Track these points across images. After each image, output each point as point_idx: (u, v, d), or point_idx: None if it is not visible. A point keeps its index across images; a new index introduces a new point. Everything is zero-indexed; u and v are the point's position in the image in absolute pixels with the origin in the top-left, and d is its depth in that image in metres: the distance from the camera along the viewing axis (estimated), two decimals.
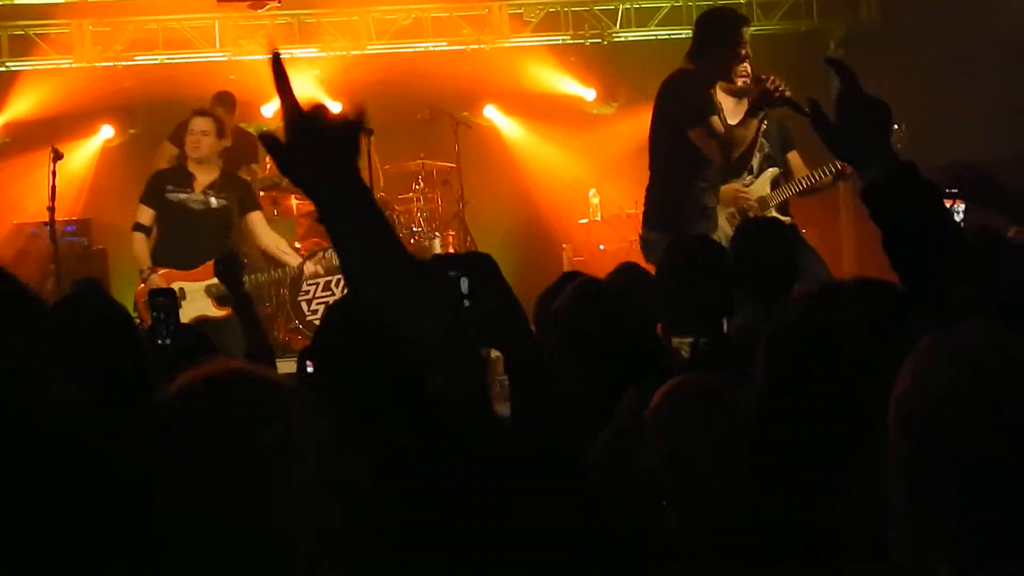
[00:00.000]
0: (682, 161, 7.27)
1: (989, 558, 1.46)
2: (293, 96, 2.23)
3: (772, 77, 6.85)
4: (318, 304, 10.25)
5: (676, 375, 2.90)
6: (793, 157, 7.68)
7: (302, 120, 2.21)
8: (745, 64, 7.25)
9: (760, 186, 7.56)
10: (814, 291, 2.31)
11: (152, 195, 8.90)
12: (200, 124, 9.01)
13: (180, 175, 9.02)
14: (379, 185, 10.66)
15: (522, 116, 13.51)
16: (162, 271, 8.61)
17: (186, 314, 7.84)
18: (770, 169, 7.57)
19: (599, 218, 12.21)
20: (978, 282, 2.49)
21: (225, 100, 11.19)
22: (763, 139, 7.42)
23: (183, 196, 8.79)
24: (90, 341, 3.32)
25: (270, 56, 2.27)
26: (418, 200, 11.26)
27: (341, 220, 2.20)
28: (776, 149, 7.63)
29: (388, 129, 9.85)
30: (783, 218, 7.42)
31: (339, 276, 10.18)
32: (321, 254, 9.45)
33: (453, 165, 11.34)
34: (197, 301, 8.58)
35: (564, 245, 12.10)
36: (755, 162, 7.55)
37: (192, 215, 8.77)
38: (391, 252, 2.19)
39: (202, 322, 8.24)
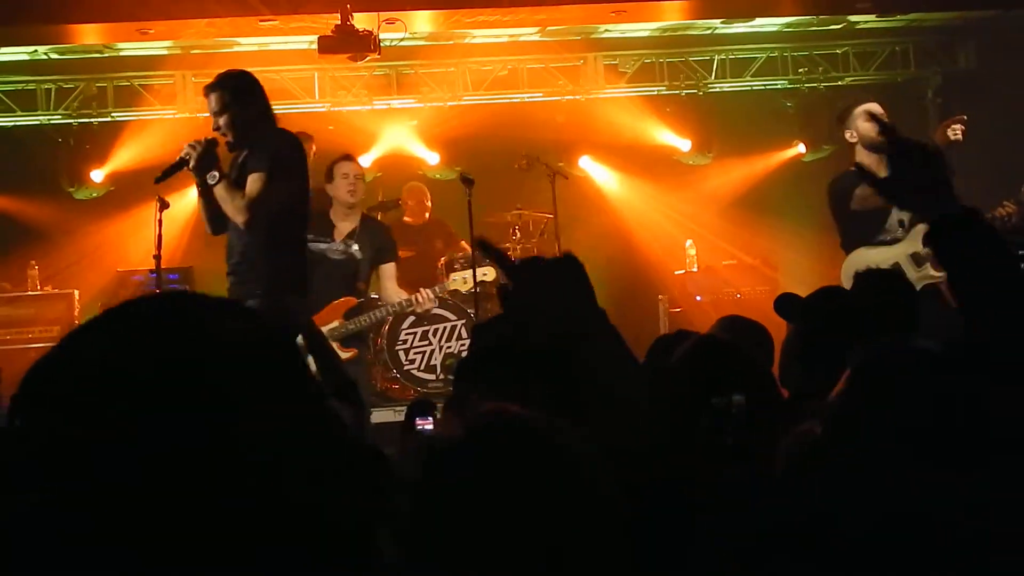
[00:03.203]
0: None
1: None
2: (507, 258, 2.38)
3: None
4: (415, 354, 10.30)
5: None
6: None
7: (518, 269, 2.35)
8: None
9: (911, 243, 7.56)
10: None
11: None
12: (353, 168, 9.31)
13: (321, 224, 9.15)
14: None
15: (617, 166, 13.52)
16: None
17: None
18: (920, 224, 7.56)
19: (695, 269, 12.16)
20: None
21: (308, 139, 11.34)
22: None
23: (323, 246, 9.00)
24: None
25: (479, 243, 2.46)
26: (515, 250, 11.27)
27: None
28: None
29: (485, 179, 9.90)
30: (938, 275, 7.41)
31: (437, 327, 10.27)
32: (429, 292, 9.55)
33: (550, 215, 11.37)
34: None
35: (660, 296, 12.07)
36: (905, 217, 7.57)
37: (328, 263, 8.96)
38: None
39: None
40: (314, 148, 11.25)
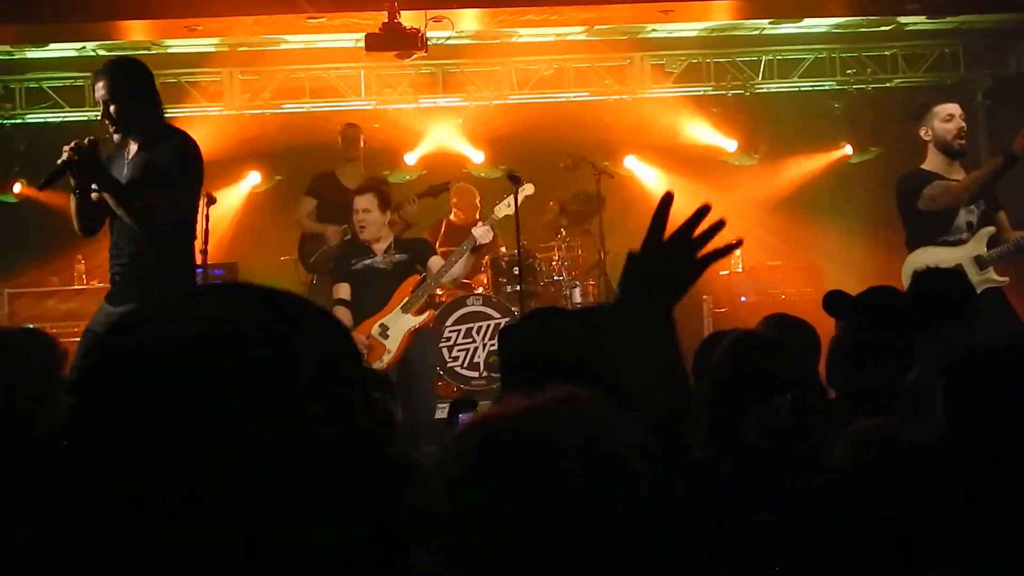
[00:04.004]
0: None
1: None
2: (663, 226, 2.37)
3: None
4: (459, 351, 10.30)
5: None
6: (1002, 217, 7.71)
7: (657, 248, 2.34)
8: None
9: (976, 245, 7.52)
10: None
11: (342, 272, 9.23)
12: (361, 203, 9.18)
13: (360, 249, 9.25)
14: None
15: (663, 166, 13.47)
16: (361, 327, 8.97)
17: (399, 333, 9.01)
18: (985, 228, 7.54)
19: (740, 270, 12.11)
20: None
21: (350, 133, 11.31)
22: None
23: (368, 261, 9.05)
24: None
25: (665, 195, 2.39)
26: (559, 249, 11.26)
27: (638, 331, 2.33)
28: (990, 207, 7.63)
29: (530, 178, 9.90)
30: (1000, 279, 7.40)
31: (480, 324, 10.28)
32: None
33: (595, 214, 11.33)
34: (401, 322, 9.03)
35: (705, 296, 12.01)
36: (973, 219, 7.55)
37: (379, 272, 9.06)
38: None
39: (416, 334, 9.07)
40: (363, 138, 11.29)
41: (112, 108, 6.47)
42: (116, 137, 6.55)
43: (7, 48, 12.16)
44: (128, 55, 6.87)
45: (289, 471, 1.23)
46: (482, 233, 9.32)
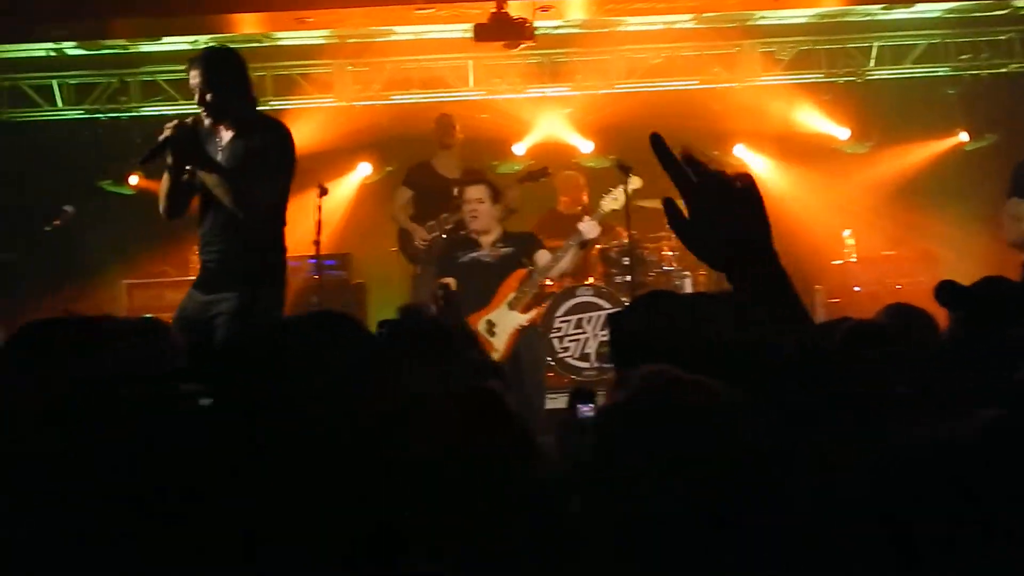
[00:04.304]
0: None
1: None
2: (681, 168, 2.16)
3: None
4: (569, 341, 10.30)
5: None
6: None
7: (699, 188, 2.15)
8: None
9: None
10: None
11: (447, 266, 9.15)
12: (473, 192, 9.16)
13: (466, 242, 9.25)
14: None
15: (773, 155, 13.34)
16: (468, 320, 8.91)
17: (506, 330, 8.90)
18: None
19: (854, 259, 11.97)
20: None
21: (445, 122, 11.31)
22: None
23: (473, 254, 9.02)
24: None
25: (651, 138, 2.19)
26: (669, 239, 11.21)
27: (748, 282, 2.18)
28: None
29: (638, 168, 9.84)
30: None
31: (591, 315, 10.27)
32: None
33: None
34: (508, 319, 8.94)
35: (817, 287, 11.89)
36: None
37: (484, 266, 8.99)
38: (793, 314, 2.18)
39: (523, 332, 8.95)
40: (458, 126, 11.28)
41: (206, 96, 6.49)
42: (208, 124, 6.56)
43: (122, 42, 12.38)
44: (221, 44, 6.87)
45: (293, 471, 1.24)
46: (589, 228, 9.23)
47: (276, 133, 6.67)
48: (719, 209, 2.14)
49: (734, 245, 2.16)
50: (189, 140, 6.42)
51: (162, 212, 6.71)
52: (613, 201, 9.63)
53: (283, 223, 6.70)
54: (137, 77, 12.95)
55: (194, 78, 6.56)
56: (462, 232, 9.53)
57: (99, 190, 13.05)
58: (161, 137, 6.40)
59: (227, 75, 6.60)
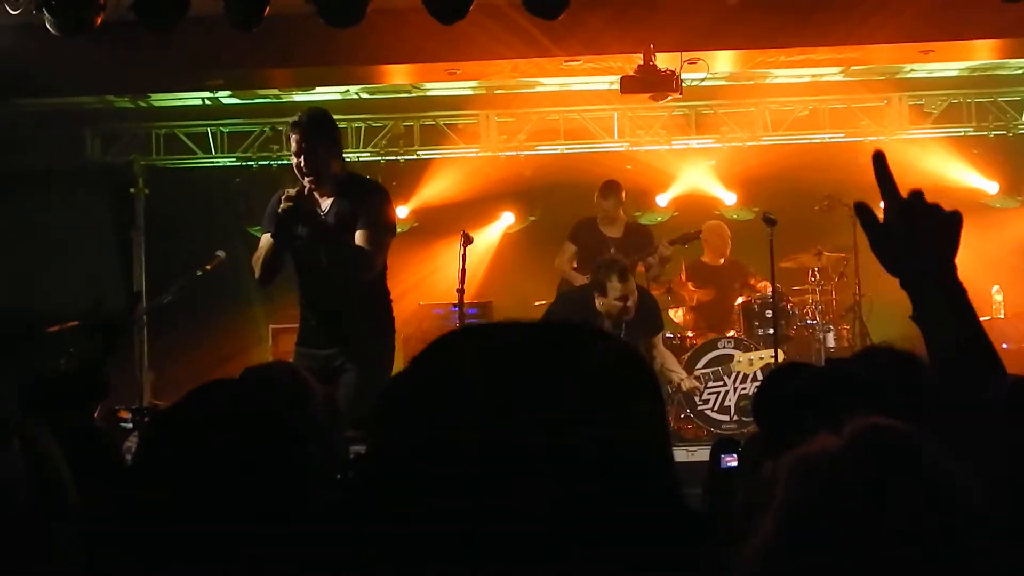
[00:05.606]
0: None
1: None
2: (893, 183, 2.26)
3: None
4: (709, 394, 10.26)
5: None
6: None
7: (905, 208, 2.23)
8: None
9: None
10: None
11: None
12: (619, 289, 9.05)
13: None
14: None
15: None
16: None
17: None
18: None
19: (1002, 315, 11.74)
20: None
21: (612, 188, 11.25)
22: None
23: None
24: None
25: (874, 154, 2.29)
26: (813, 292, 11.11)
27: (930, 311, 2.24)
28: None
29: (783, 220, 9.81)
30: None
31: (731, 367, 10.23)
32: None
33: (849, 257, 11.14)
34: None
35: None
36: None
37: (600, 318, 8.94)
38: (979, 347, 2.25)
39: None
40: (624, 196, 11.19)
41: (304, 160, 6.63)
42: (307, 185, 6.65)
43: (276, 92, 12.65)
44: (319, 106, 7.05)
45: None
46: (687, 384, 9.87)
47: (378, 192, 6.90)
48: (920, 222, 2.21)
49: (924, 258, 2.22)
50: (306, 209, 6.59)
51: (258, 279, 6.87)
52: (748, 365, 9.93)
53: (385, 275, 6.89)
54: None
55: (294, 142, 6.73)
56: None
57: (249, 236, 13.31)
58: (281, 210, 6.55)
59: (328, 137, 6.78)
